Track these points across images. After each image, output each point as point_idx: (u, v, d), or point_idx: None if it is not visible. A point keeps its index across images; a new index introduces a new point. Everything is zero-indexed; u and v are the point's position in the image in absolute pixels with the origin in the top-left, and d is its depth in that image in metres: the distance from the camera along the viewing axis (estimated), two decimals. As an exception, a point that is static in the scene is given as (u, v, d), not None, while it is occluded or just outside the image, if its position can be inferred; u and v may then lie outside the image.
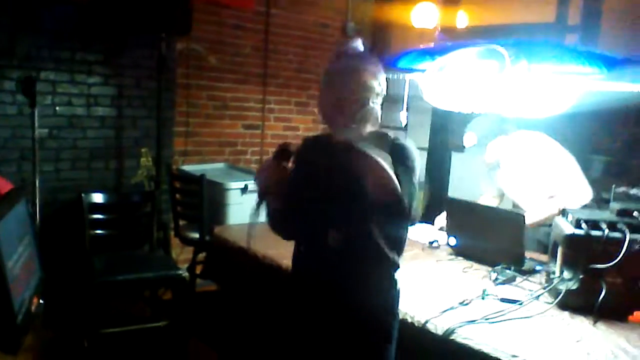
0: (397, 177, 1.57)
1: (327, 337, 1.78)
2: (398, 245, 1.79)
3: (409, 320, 2.06)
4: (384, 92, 1.75)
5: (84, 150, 4.06)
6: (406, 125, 3.79)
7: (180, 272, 3.18)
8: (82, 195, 3.34)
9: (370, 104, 1.69)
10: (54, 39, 3.79)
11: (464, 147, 3.03)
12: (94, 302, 3.04)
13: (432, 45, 3.06)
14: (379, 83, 1.71)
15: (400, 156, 1.67)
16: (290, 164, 1.73)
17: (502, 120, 2.94)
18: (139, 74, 4.21)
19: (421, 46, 3.01)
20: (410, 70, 2.89)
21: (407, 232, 1.84)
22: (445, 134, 4.61)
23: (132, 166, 4.28)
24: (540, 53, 2.36)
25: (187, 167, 4.28)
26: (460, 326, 1.96)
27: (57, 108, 3.91)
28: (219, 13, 4.56)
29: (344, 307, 1.75)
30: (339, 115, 1.70)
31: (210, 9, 4.45)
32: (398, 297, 1.84)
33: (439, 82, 2.54)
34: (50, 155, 3.91)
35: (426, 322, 2.02)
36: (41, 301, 2.24)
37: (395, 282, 1.81)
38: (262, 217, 1.79)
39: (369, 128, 1.73)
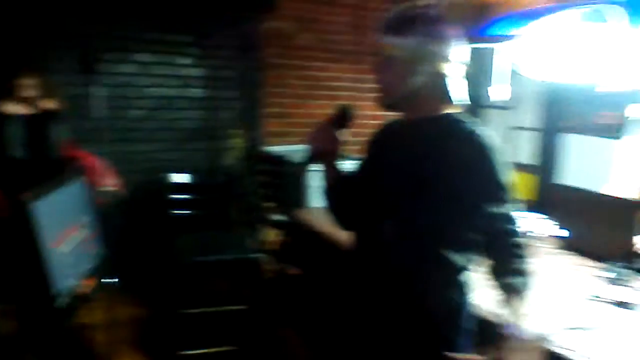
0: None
1: (385, 339, 1.56)
2: (466, 246, 1.48)
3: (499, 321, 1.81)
4: (464, 64, 1.49)
5: (178, 132, 4.10)
6: (510, 102, 3.39)
7: (258, 255, 3.09)
8: (163, 175, 3.35)
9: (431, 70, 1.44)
10: (145, 20, 3.82)
11: None
12: (175, 282, 3.04)
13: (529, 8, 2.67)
14: (451, 49, 1.46)
15: (483, 157, 1.41)
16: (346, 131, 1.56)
17: None
18: (230, 55, 4.16)
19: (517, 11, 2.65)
20: (505, 38, 2.55)
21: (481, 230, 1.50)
22: (560, 112, 4.13)
23: (225, 147, 4.26)
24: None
25: (274, 149, 4.20)
26: (559, 332, 1.69)
27: (151, 89, 3.96)
28: (310, -11, 4.41)
29: (401, 306, 1.51)
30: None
31: (301, -15, 4.32)
32: (465, 307, 1.54)
33: (536, 51, 2.20)
34: (146, 136, 3.99)
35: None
36: (111, 280, 2.25)
37: (460, 288, 1.52)
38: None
39: (434, 105, 1.49)
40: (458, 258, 1.47)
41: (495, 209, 1.42)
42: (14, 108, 3.06)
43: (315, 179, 3.61)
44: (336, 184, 1.62)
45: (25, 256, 1.60)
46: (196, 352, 2.99)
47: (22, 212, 1.60)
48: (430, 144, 1.45)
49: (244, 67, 3.94)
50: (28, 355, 1.75)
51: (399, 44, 1.43)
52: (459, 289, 1.52)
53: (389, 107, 1.53)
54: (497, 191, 1.42)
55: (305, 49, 4.50)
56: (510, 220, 1.46)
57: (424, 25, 1.42)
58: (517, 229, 1.47)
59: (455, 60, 1.46)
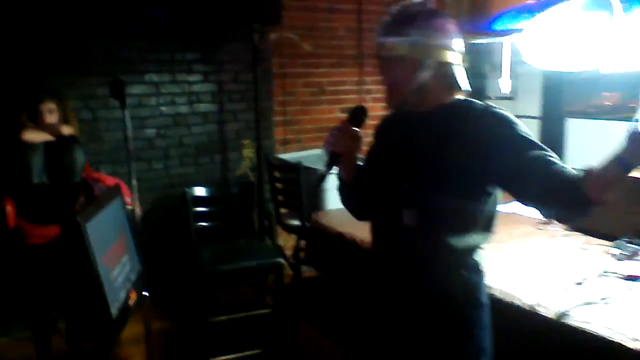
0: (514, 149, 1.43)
1: (405, 324, 1.64)
2: (480, 224, 1.55)
3: (517, 302, 1.90)
4: (463, 55, 1.57)
5: (190, 147, 4.21)
6: (510, 93, 3.49)
7: (280, 259, 3.19)
8: (186, 190, 3.47)
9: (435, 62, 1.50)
10: (154, 41, 3.94)
11: None
12: (202, 292, 3.14)
13: (531, 1, 2.77)
14: (451, 40, 1.52)
15: (501, 124, 1.48)
16: (362, 129, 1.59)
17: None
18: (237, 68, 4.28)
19: (519, 4, 2.74)
20: (509, 32, 2.64)
21: (494, 207, 1.57)
22: (560, 99, 4.23)
23: (236, 159, 4.39)
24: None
25: (286, 156, 4.30)
26: (575, 308, 1.77)
27: (162, 108, 4.07)
28: (311, -2, 4.51)
29: (419, 290, 1.60)
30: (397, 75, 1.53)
31: (302, -5, 4.42)
32: (481, 283, 1.61)
33: (540, 41, 2.29)
34: (160, 153, 4.10)
35: (536, 304, 1.85)
36: (145, 294, 2.34)
37: (475, 266, 1.59)
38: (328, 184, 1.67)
39: (442, 95, 1.55)
40: (474, 238, 1.54)
41: (531, 156, 1.41)
42: (35, 135, 3.12)
43: (329, 182, 3.71)
44: (354, 179, 1.68)
45: (82, 275, 1.67)
46: (224, 358, 3.09)
47: (78, 232, 1.67)
48: (447, 127, 1.50)
49: (252, 79, 4.04)
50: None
51: (402, 43, 1.48)
52: (475, 267, 1.59)
53: (399, 106, 1.59)
54: (526, 142, 1.44)
55: (309, 57, 4.61)
56: (550, 159, 1.42)
57: (424, 20, 1.49)
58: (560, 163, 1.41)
59: (456, 50, 1.53)
